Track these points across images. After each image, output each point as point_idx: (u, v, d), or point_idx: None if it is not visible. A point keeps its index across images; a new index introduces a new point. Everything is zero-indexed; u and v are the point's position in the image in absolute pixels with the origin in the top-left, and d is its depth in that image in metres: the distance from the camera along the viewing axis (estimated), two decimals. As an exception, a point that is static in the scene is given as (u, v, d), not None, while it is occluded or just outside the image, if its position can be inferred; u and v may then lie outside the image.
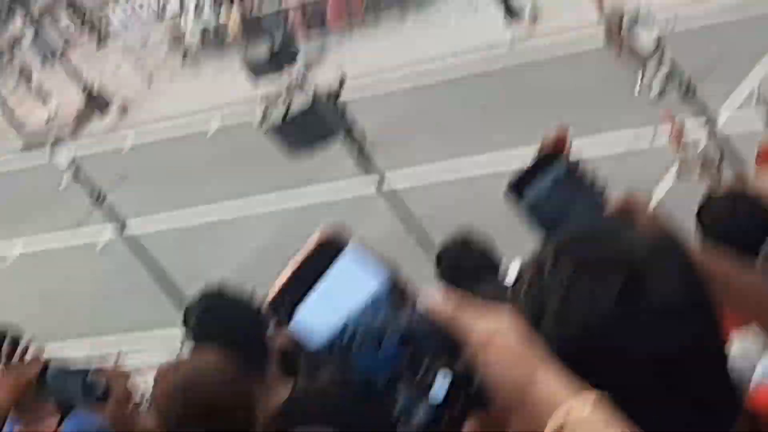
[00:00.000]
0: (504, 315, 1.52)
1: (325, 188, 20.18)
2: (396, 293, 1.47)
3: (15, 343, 4.17)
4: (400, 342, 1.44)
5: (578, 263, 1.58)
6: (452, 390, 1.44)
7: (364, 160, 14.78)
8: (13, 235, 24.60)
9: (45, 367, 3.97)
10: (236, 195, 21.62)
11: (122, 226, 15.91)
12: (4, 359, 4.05)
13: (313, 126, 15.53)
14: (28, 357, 4.06)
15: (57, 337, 19.48)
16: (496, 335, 1.48)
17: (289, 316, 1.47)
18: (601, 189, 2.20)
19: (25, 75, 31.77)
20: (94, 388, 3.84)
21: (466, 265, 5.86)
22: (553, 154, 2.18)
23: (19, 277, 23.04)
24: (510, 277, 5.79)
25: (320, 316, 1.45)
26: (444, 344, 1.45)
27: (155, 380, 3.57)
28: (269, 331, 4.22)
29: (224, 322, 4.18)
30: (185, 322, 4.29)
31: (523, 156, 2.29)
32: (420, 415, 1.43)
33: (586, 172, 2.20)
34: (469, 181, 18.28)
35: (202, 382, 3.41)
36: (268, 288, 1.58)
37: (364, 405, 1.45)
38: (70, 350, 18.48)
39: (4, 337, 4.27)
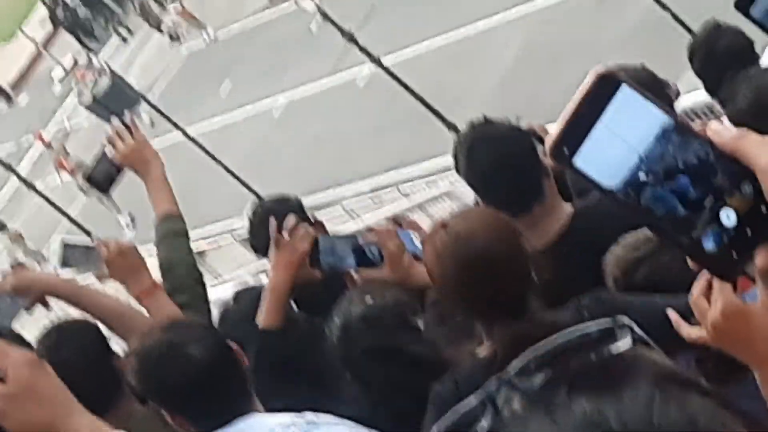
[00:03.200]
0: None
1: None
2: (681, 125, 1.40)
3: (297, 213, 4.19)
4: (692, 174, 1.40)
5: None
6: (743, 219, 1.40)
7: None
8: (276, 87, 25.01)
9: (316, 239, 4.01)
10: (483, 11, 21.23)
11: (378, 62, 15.85)
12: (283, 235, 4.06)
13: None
14: (300, 231, 4.06)
15: (334, 181, 19.87)
16: None
17: (573, 153, 1.40)
18: None
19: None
20: (365, 251, 3.92)
21: (721, 51, 5.50)
22: None
23: (290, 126, 23.48)
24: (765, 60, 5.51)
25: (608, 152, 1.40)
26: (732, 172, 1.40)
27: (423, 243, 3.43)
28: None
29: (494, 149, 4.00)
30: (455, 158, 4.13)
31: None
32: (712, 243, 1.40)
33: None
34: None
35: (473, 236, 3.22)
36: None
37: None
38: (348, 192, 18.85)
39: (282, 210, 4.30)
